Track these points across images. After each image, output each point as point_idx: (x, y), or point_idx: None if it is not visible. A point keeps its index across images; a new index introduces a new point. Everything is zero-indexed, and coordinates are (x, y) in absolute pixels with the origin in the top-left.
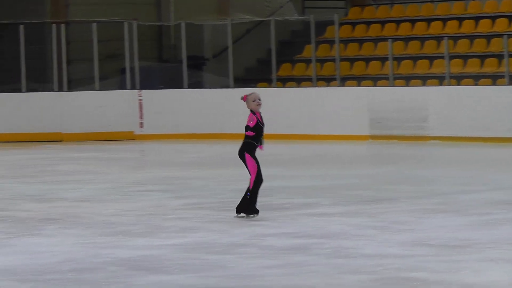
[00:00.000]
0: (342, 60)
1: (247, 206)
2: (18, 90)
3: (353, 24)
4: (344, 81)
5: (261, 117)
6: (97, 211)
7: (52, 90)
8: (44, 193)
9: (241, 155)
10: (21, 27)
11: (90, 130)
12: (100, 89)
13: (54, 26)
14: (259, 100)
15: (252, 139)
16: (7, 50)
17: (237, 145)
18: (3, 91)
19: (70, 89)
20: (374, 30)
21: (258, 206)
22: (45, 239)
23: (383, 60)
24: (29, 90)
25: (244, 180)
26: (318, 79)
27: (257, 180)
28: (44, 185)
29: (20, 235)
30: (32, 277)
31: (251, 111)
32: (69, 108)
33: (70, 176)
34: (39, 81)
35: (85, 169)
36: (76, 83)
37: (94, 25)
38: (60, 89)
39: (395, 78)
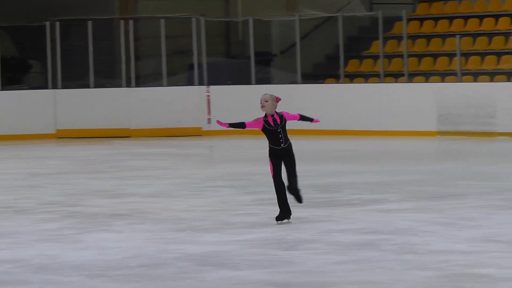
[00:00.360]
0: (410, 56)
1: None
2: (87, 86)
3: (421, 20)
4: (412, 77)
5: (274, 119)
6: (166, 206)
7: (120, 86)
8: (113, 189)
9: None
10: (90, 23)
11: (158, 126)
12: (168, 85)
13: (122, 22)
14: (265, 101)
15: (270, 144)
16: (76, 46)
17: (304, 140)
18: (72, 87)
19: (138, 85)
20: (442, 26)
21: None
22: (114, 234)
23: (451, 56)
24: (98, 86)
25: (315, 175)
26: (386, 75)
27: (275, 183)
28: (113, 180)
29: (89, 230)
30: (101, 272)
31: None
32: (137, 104)
33: (139, 172)
34: (108, 77)
35: (154, 165)
36: (144, 79)
37: (162, 21)
38: (128, 85)
39: (463, 74)
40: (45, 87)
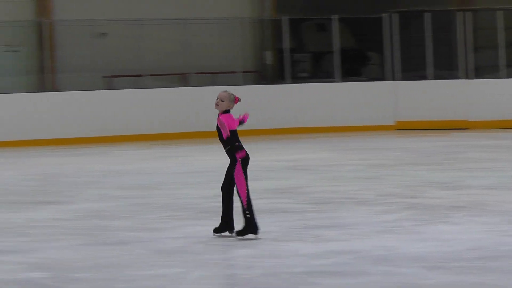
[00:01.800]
0: None
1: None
2: (425, 77)
3: None
4: None
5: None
6: (504, 199)
7: (459, 78)
8: (452, 181)
9: None
10: (427, 14)
11: (496, 117)
12: (507, 77)
13: (460, 13)
14: (221, 101)
15: None
16: (414, 38)
17: None
18: (410, 79)
19: (477, 76)
20: None
21: None
22: (453, 226)
23: None
24: (436, 77)
25: None
26: None
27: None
28: (452, 172)
29: (429, 222)
30: (439, 264)
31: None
32: (475, 95)
33: (478, 163)
34: (446, 68)
35: (492, 157)
36: (483, 71)
37: (500, 13)
38: (467, 76)
39: None
40: (383, 78)
